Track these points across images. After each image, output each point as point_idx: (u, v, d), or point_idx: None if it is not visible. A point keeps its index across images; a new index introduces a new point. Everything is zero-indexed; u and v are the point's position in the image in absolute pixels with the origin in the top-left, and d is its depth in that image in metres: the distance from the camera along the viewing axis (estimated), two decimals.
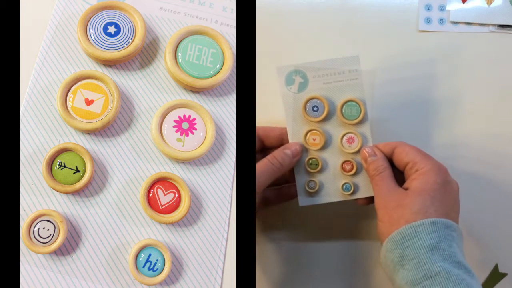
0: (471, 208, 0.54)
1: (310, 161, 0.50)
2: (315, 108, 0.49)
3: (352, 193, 0.50)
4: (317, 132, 0.50)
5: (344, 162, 0.50)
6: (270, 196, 0.51)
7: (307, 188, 0.50)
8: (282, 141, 0.51)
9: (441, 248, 0.42)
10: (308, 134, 0.50)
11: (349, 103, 0.49)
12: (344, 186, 0.50)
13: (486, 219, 0.55)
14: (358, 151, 0.49)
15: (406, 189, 0.46)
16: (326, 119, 0.50)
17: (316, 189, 0.50)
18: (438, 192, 0.45)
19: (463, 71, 0.58)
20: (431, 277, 0.41)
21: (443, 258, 0.42)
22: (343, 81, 0.49)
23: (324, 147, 0.50)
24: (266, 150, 0.51)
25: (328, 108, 0.49)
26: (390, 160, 0.49)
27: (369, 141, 0.50)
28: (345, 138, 0.50)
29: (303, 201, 0.50)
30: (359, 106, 0.49)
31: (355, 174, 0.50)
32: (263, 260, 0.55)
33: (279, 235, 0.56)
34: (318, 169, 0.50)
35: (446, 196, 0.45)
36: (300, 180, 0.50)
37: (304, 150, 0.50)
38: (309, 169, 0.50)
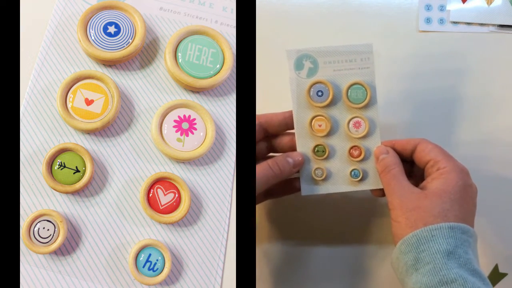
0: None
1: (316, 148, 0.49)
2: (320, 93, 0.48)
3: (361, 180, 0.49)
4: (323, 117, 0.48)
5: (352, 147, 0.48)
6: (272, 187, 0.50)
7: (314, 176, 0.49)
8: (286, 125, 0.49)
9: (457, 254, 0.41)
10: (313, 120, 0.48)
11: (355, 86, 0.48)
12: (353, 173, 0.49)
13: (486, 219, 0.55)
14: (365, 136, 0.48)
15: (424, 187, 0.45)
16: (332, 104, 0.48)
17: (323, 176, 0.49)
18: (458, 195, 0.44)
19: (463, 71, 0.58)
20: (446, 284, 0.40)
21: (459, 265, 0.41)
22: (354, 69, 0.48)
23: (330, 133, 0.48)
24: (270, 137, 0.50)
25: (333, 92, 0.48)
26: (411, 157, 0.48)
27: (376, 126, 0.48)
28: (351, 122, 0.48)
29: (306, 190, 0.49)
30: (365, 89, 0.48)
31: (363, 160, 0.48)
32: (263, 260, 0.55)
33: (279, 235, 0.56)
34: (325, 156, 0.49)
35: (465, 199, 0.44)
36: (307, 168, 0.49)
37: (309, 137, 0.48)
38: (316, 157, 0.49)
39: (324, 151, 0.49)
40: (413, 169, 0.49)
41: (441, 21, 0.59)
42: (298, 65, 0.48)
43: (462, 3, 0.59)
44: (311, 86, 0.48)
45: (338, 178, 0.49)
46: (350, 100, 0.48)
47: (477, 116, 0.57)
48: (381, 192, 0.49)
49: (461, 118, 0.57)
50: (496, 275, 0.55)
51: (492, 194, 0.55)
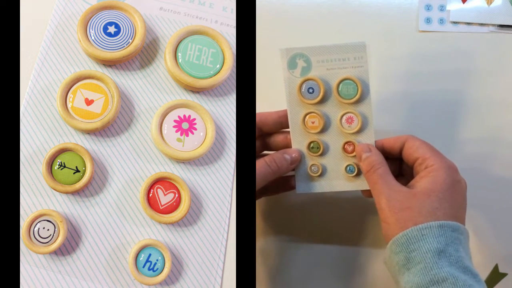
0: (471, 207, 0.54)
1: (311, 145, 0.49)
2: (311, 90, 0.48)
3: (357, 175, 0.49)
4: (315, 114, 0.48)
5: (346, 143, 0.48)
6: (268, 185, 0.50)
7: (310, 173, 0.49)
8: (281, 124, 0.49)
9: (448, 253, 0.41)
10: (307, 117, 0.48)
11: (346, 81, 0.47)
12: (348, 168, 0.49)
13: (486, 218, 0.55)
14: (359, 131, 0.48)
15: (412, 186, 0.45)
16: (323, 100, 0.48)
17: (319, 173, 0.49)
18: (447, 193, 0.44)
19: (463, 71, 0.58)
20: (437, 283, 0.40)
21: (450, 263, 0.41)
22: (347, 68, 0.47)
23: (323, 129, 0.49)
24: (264, 136, 0.50)
25: (324, 89, 0.48)
26: (400, 155, 0.48)
27: (369, 121, 0.48)
28: (344, 118, 0.48)
29: (301, 187, 0.49)
30: (356, 85, 0.47)
31: None
32: (263, 260, 0.55)
33: (279, 235, 0.56)
34: (319, 152, 0.49)
35: (454, 196, 0.44)
36: (302, 164, 0.49)
37: (304, 134, 0.49)
38: (310, 153, 0.49)
39: (318, 148, 0.49)
40: (403, 167, 0.49)
41: (441, 21, 0.59)
42: (292, 64, 0.48)
43: (462, 3, 0.59)
44: (302, 84, 0.48)
45: (333, 174, 0.49)
46: (341, 95, 0.48)
47: (478, 116, 0.57)
48: (371, 193, 0.48)
49: (462, 118, 0.57)
50: (496, 275, 0.55)
51: (492, 194, 0.55)
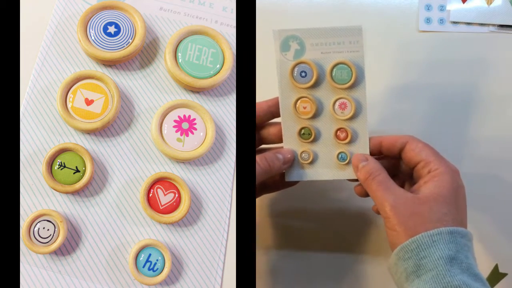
0: (470, 207, 0.54)
1: (302, 131, 0.47)
2: (303, 74, 0.46)
3: (348, 163, 0.47)
4: (307, 99, 0.47)
5: (338, 130, 0.47)
6: (268, 181, 0.49)
7: (300, 160, 0.48)
8: (271, 114, 0.48)
9: (459, 260, 0.40)
10: (298, 102, 0.47)
11: (340, 66, 0.46)
12: (340, 156, 0.47)
13: (486, 218, 0.55)
14: (352, 118, 0.47)
15: (416, 191, 0.44)
16: (316, 85, 0.46)
17: (310, 160, 0.47)
18: (453, 198, 0.43)
19: (463, 71, 0.58)
20: None
21: (462, 271, 0.40)
22: (343, 52, 0.46)
23: (316, 115, 0.47)
24: (257, 129, 0.49)
25: (317, 73, 0.46)
26: (398, 156, 0.47)
27: (363, 107, 0.47)
28: (337, 104, 0.47)
29: (290, 175, 0.48)
30: (351, 69, 0.46)
31: (350, 142, 0.47)
32: (262, 259, 0.55)
33: (279, 235, 0.56)
34: (311, 139, 0.47)
35: (460, 201, 0.43)
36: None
37: (295, 119, 0.47)
38: (301, 140, 0.47)
39: (310, 134, 0.47)
40: (399, 168, 0.48)
41: (441, 21, 0.59)
42: (284, 46, 0.46)
43: (462, 3, 0.60)
44: (294, 67, 0.46)
45: (324, 162, 0.48)
46: (335, 80, 0.46)
47: (477, 115, 0.57)
48: (364, 192, 0.47)
49: (461, 117, 0.57)
50: (496, 275, 0.55)
51: (491, 193, 0.55)
